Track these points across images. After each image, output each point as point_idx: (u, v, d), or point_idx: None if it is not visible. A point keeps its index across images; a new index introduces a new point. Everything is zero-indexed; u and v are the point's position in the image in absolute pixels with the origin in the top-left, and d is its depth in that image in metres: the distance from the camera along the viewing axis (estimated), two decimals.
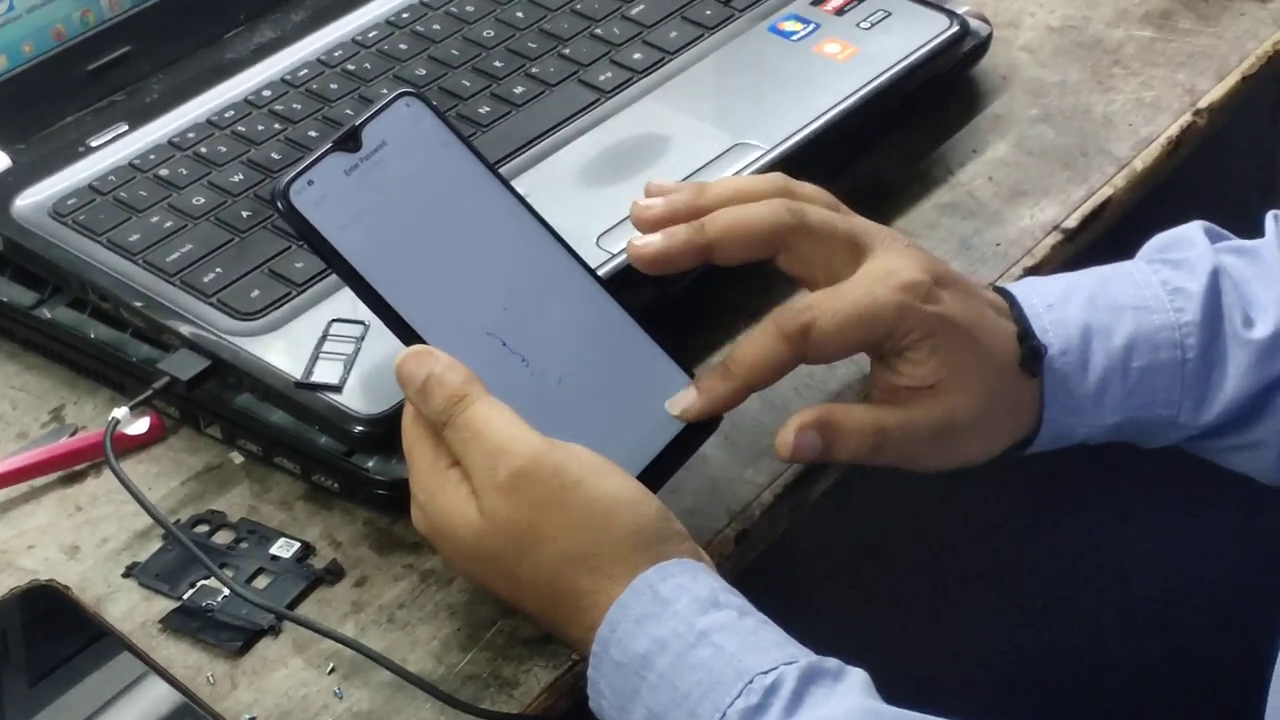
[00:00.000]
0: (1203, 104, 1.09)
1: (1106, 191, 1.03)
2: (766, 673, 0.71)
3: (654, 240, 0.83)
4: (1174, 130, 1.07)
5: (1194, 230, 0.91)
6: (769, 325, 0.81)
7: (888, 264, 0.83)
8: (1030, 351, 0.85)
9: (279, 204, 0.77)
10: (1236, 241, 0.92)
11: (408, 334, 0.78)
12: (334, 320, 0.87)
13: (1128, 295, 0.88)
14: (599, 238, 0.91)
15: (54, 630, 0.81)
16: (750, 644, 0.73)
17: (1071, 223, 1.01)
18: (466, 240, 0.81)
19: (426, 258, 0.79)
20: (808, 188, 0.86)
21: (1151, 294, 0.88)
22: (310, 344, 0.86)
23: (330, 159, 0.78)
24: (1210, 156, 1.11)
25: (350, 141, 0.79)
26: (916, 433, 0.83)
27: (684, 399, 0.82)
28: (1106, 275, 0.90)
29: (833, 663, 0.73)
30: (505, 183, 0.83)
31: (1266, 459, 0.90)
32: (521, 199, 0.83)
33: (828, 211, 0.85)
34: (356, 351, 0.86)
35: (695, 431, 0.83)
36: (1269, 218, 0.92)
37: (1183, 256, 0.90)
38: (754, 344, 0.81)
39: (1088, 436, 0.88)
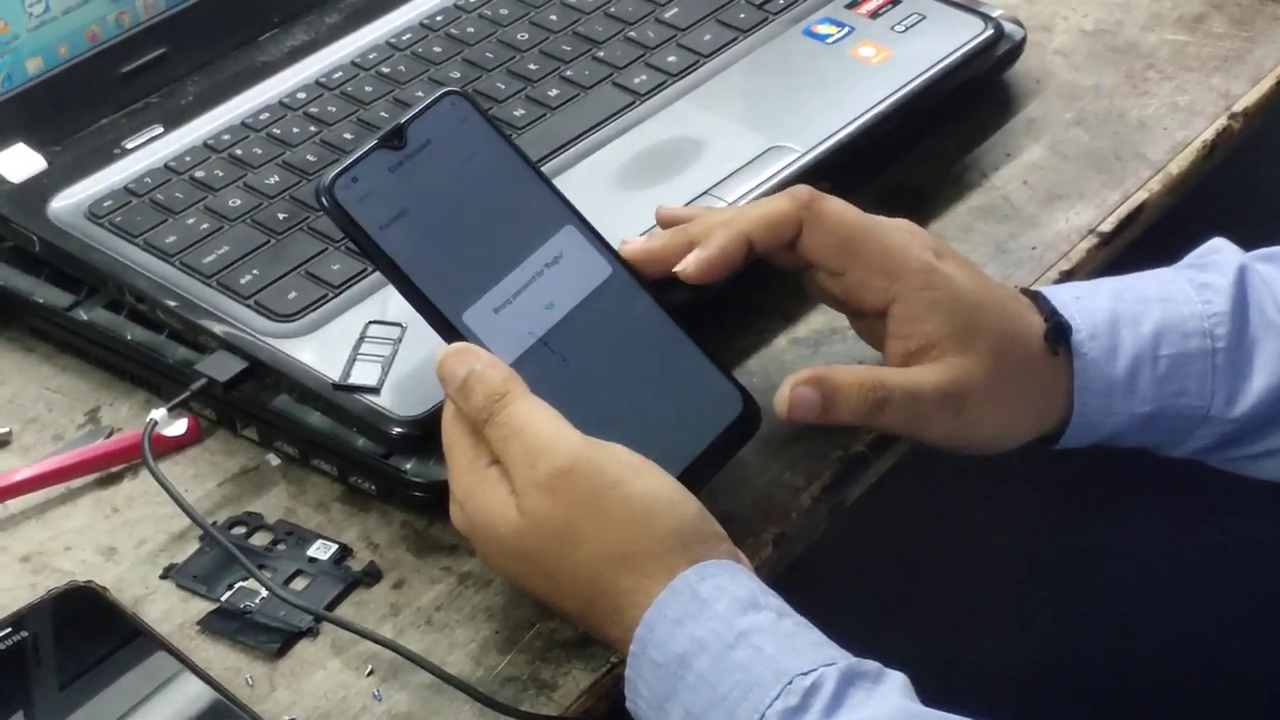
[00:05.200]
0: (1237, 108, 1.08)
1: (1141, 195, 1.03)
2: (806, 674, 0.71)
3: (689, 257, 0.84)
4: (1209, 134, 1.07)
5: (1218, 240, 0.92)
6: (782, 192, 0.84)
7: (897, 223, 0.87)
8: (1056, 327, 0.85)
9: (323, 199, 0.77)
10: (1264, 250, 0.92)
11: (449, 331, 0.78)
12: (371, 322, 0.87)
13: (1154, 290, 0.89)
14: None
15: (83, 634, 0.81)
16: (789, 645, 0.73)
17: (1107, 226, 1.01)
18: (509, 238, 0.81)
19: (469, 255, 0.79)
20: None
21: (1178, 289, 0.89)
22: (348, 345, 0.86)
23: (375, 156, 0.78)
24: (1245, 160, 1.11)
25: (395, 139, 0.79)
26: (922, 395, 0.83)
27: (689, 258, 0.83)
28: (1133, 277, 0.90)
29: (872, 665, 0.73)
30: (548, 182, 0.83)
31: None
32: (564, 199, 0.83)
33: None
34: (394, 353, 0.85)
35: (735, 434, 0.83)
36: None
37: (1209, 260, 0.91)
38: (761, 200, 0.84)
39: (1118, 430, 0.88)
